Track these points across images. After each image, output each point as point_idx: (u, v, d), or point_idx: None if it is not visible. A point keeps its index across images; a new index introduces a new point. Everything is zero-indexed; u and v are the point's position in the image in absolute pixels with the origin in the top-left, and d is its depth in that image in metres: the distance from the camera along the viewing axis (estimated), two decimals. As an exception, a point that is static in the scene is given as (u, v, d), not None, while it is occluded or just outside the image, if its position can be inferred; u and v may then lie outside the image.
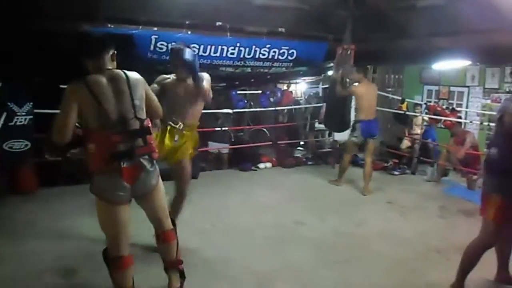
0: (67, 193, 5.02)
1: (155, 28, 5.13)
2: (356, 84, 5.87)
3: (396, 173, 6.88)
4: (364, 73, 6.08)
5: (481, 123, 7.31)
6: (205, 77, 3.32)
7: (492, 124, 7.13)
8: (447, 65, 7.22)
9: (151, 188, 2.53)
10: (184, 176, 3.48)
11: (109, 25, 4.84)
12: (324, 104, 7.25)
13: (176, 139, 3.37)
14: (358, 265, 3.53)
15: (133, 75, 2.47)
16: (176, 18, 5.25)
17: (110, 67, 2.43)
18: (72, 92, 2.30)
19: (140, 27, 5.02)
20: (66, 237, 3.82)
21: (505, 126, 2.67)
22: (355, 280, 3.28)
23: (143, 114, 2.47)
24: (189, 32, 5.32)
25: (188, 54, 3.20)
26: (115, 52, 2.47)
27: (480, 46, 5.47)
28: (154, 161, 2.54)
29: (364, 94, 5.74)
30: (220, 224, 4.33)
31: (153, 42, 5.06)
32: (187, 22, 5.25)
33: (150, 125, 2.50)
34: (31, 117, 4.93)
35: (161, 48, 5.10)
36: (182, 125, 3.37)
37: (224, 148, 7.28)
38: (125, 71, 2.44)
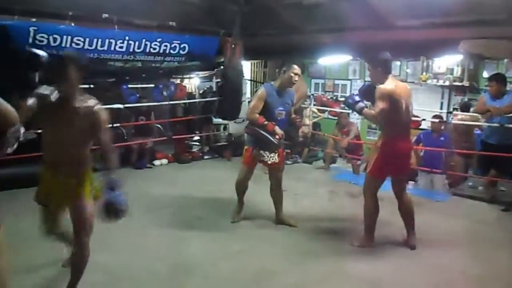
0: None
1: (34, 19, 4.74)
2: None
3: (288, 162, 7.18)
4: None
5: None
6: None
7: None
8: (332, 59, 7.78)
9: None
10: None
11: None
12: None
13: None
14: (254, 254, 3.67)
15: None
16: (57, 9, 4.91)
17: None
18: None
19: (16, 17, 4.60)
20: None
21: None
22: (252, 267, 3.40)
23: None
24: (73, 24, 5.00)
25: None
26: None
27: (360, 42, 5.97)
28: None
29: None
30: (114, 225, 4.13)
31: (31, 34, 4.66)
32: (70, 13, 4.93)
33: None
34: None
35: (41, 41, 4.72)
36: None
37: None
38: None
